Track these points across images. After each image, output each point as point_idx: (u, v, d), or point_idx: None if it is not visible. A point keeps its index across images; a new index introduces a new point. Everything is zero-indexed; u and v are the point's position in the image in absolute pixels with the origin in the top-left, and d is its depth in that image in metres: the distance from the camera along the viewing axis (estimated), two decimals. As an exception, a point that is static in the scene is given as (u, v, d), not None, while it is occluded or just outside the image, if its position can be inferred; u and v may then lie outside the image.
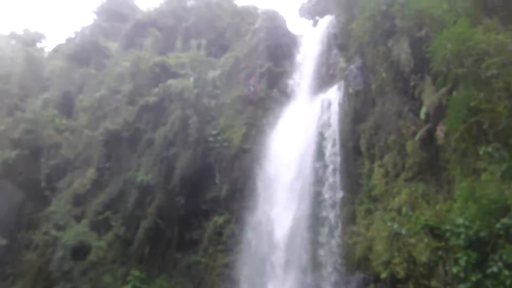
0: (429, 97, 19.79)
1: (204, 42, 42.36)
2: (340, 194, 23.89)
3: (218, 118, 33.16)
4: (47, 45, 54.07)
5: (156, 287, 28.54)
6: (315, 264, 23.32)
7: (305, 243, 24.34)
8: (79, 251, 28.98)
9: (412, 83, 21.13)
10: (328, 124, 26.06)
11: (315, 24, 38.64)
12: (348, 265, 21.74)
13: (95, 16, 54.88)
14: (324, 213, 24.27)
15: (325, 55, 30.64)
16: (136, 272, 28.59)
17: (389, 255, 17.93)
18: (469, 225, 14.34)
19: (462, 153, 16.83)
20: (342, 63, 28.51)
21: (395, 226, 17.19)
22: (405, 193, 19.96)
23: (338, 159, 24.71)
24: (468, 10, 19.40)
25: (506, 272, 13.29)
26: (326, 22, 32.29)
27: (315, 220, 24.38)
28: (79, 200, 32.32)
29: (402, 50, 21.33)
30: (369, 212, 21.95)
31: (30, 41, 51.35)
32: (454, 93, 17.17)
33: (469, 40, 16.43)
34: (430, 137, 19.50)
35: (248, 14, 43.85)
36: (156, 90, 34.94)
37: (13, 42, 51.74)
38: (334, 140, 25.30)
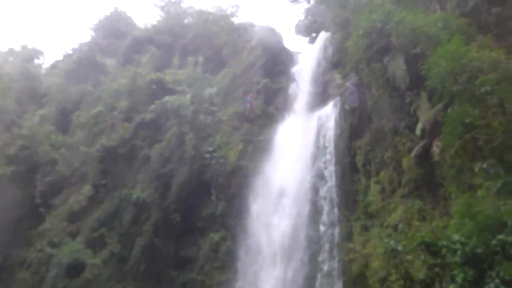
0: (425, 114, 19.84)
1: (201, 59, 42.62)
2: (337, 211, 23.81)
3: (215, 135, 33.17)
4: (45, 62, 54.42)
5: (152, 305, 28.26)
6: (312, 282, 23.15)
7: (303, 260, 24.20)
8: (74, 269, 28.67)
9: (407, 100, 21.20)
10: (324, 141, 26.09)
11: (311, 41, 38.92)
12: (345, 283, 21.57)
13: (92, 33, 55.30)
14: (322, 230, 24.17)
15: (321, 72, 30.78)
16: (131, 290, 28.28)
17: (386, 272, 17.80)
18: (465, 242, 14.24)
19: (457, 169, 16.81)
20: (338, 79, 28.65)
21: (392, 242, 17.10)
22: (401, 210, 19.90)
23: (334, 176, 24.66)
24: (462, 28, 19.58)
25: (504, 289, 13.19)
26: (322, 39, 32.49)
27: (313, 238, 24.28)
28: (74, 217, 32.11)
29: (397, 67, 21.44)
30: (365, 228, 21.86)
31: (28, 57, 51.62)
32: (450, 109, 17.22)
33: (463, 58, 16.55)
34: (426, 153, 19.48)
35: (244, 31, 44.20)
36: (152, 106, 35.04)
37: (11, 58, 52.08)
38: (330, 157, 25.31)
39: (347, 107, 25.37)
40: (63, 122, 39.87)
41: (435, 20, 20.37)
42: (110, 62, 46.69)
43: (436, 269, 15.62)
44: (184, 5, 53.67)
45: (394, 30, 21.39)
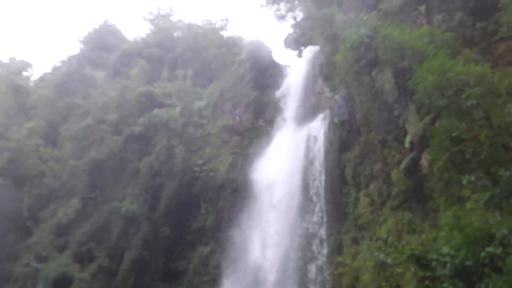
0: (413, 126, 20.04)
1: (190, 72, 42.75)
2: (326, 224, 23.87)
3: (204, 148, 33.20)
4: (33, 74, 54.08)
5: (140, 320, 27.96)
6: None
7: (294, 276, 24.17)
8: (61, 284, 28.34)
9: (396, 113, 21.38)
10: (313, 154, 26.20)
11: (300, 54, 39.20)
12: (335, 296, 21.54)
13: (81, 45, 55.14)
14: (312, 243, 24.19)
15: (310, 85, 30.99)
16: (120, 305, 28.00)
17: (376, 286, 17.80)
18: (454, 254, 14.30)
19: (446, 182, 16.98)
20: (327, 93, 28.87)
21: (382, 256, 17.13)
22: (391, 222, 19.99)
23: (324, 189, 24.75)
24: (448, 42, 19.92)
25: (493, 302, 13.26)
26: (311, 52, 32.76)
27: (303, 251, 24.30)
28: (62, 231, 31.81)
29: (385, 80, 21.66)
30: (355, 241, 21.91)
31: (15, 69, 51.25)
32: (437, 123, 17.43)
33: (449, 72, 16.80)
34: (415, 165, 19.65)
35: (234, 44, 44.48)
36: (142, 119, 35.03)
37: (-2, 70, 51.61)
38: (320, 169, 25.40)
39: (336, 120, 25.52)
40: (52, 135, 39.62)
41: (421, 35, 20.68)
42: (99, 75, 46.55)
43: (426, 282, 15.65)
44: (173, 18, 53.98)
45: (381, 45, 21.65)
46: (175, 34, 50.97)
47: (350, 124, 24.74)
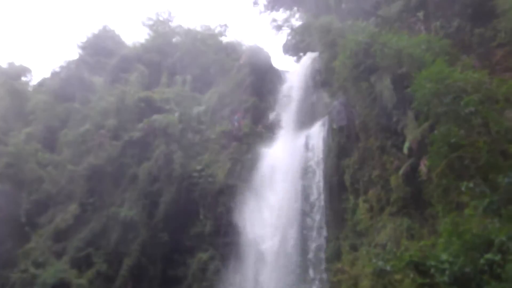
0: (412, 132, 20.07)
1: (189, 77, 42.78)
2: (325, 230, 23.84)
3: (203, 153, 33.13)
4: (32, 79, 54.15)
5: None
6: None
7: (293, 282, 24.11)
8: (59, 290, 28.22)
9: (395, 119, 21.42)
10: (312, 160, 26.22)
11: (298, 60, 39.30)
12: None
13: (80, 51, 55.16)
14: (311, 249, 24.17)
15: (309, 91, 31.07)
16: (118, 311, 27.90)
17: (375, 292, 17.76)
18: (453, 261, 14.26)
19: (444, 188, 16.99)
20: (325, 99, 28.94)
21: (380, 262, 17.08)
22: (390, 228, 19.96)
23: (322, 195, 24.74)
24: (445, 49, 20.00)
25: (492, 310, 13.22)
26: (309, 58, 32.85)
27: (302, 257, 24.26)
28: (60, 236, 31.75)
29: (384, 86, 21.69)
30: (354, 247, 21.87)
31: (14, 75, 51.31)
32: (436, 129, 17.46)
33: (447, 79, 16.87)
34: (413, 171, 19.66)
35: (232, 50, 44.58)
36: (140, 125, 35.01)
37: (-3, 76, 51.61)
38: (318, 175, 25.41)
39: (335, 126, 25.57)
40: (50, 140, 39.62)
41: (419, 42, 20.79)
42: (98, 80, 46.62)
43: (425, 289, 15.64)
44: (172, 24, 54.05)
45: (379, 52, 21.73)
46: (174, 40, 51.05)
47: (348, 130, 24.78)
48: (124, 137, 34.95)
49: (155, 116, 35.06)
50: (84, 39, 56.03)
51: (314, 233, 24.53)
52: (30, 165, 35.81)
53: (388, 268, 16.57)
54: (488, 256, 13.51)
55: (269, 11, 45.25)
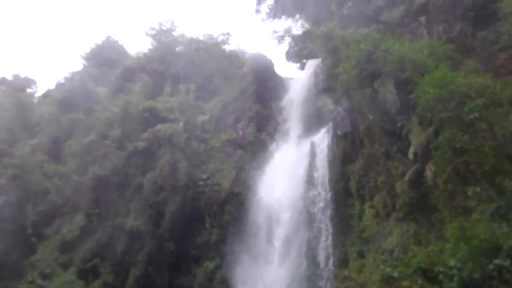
0: (417, 137, 19.99)
1: (192, 86, 42.85)
2: (331, 237, 23.71)
3: (208, 162, 33.10)
4: (37, 91, 54.50)
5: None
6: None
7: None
8: (66, 301, 28.20)
9: (399, 124, 21.36)
10: (317, 166, 26.13)
11: (302, 67, 39.30)
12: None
13: (84, 62, 55.54)
14: (318, 257, 24.04)
15: (312, 97, 30.99)
16: (125, 321, 27.82)
17: (383, 299, 17.61)
18: (461, 267, 14.15)
19: (450, 193, 16.90)
20: (329, 105, 28.88)
21: (388, 269, 16.96)
22: (396, 234, 19.86)
23: (328, 201, 24.63)
24: (447, 54, 19.95)
25: (501, 315, 13.09)
26: (312, 65, 32.79)
27: (309, 264, 24.13)
28: (66, 247, 31.76)
29: (388, 91, 21.64)
30: (361, 254, 21.73)
31: (20, 86, 51.71)
32: (440, 135, 17.37)
33: (451, 84, 16.82)
34: (419, 177, 19.57)
35: (236, 58, 44.67)
36: (145, 135, 35.07)
37: (2, 87, 52.10)
38: (324, 182, 25.30)
39: (339, 132, 25.50)
40: (55, 151, 39.76)
41: (421, 47, 20.78)
42: (102, 91, 46.84)
43: (434, 295, 15.50)
44: (175, 33, 54.24)
45: (381, 58, 21.71)
46: (177, 49, 51.19)
47: (353, 136, 24.72)
48: (128, 147, 35.02)
49: (160, 126, 35.12)
50: (88, 50, 56.48)
51: (321, 240, 24.37)
52: (36, 176, 35.94)
53: (395, 274, 16.45)
54: (497, 261, 13.40)
55: (271, 19, 45.42)
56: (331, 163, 25.46)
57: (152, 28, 54.92)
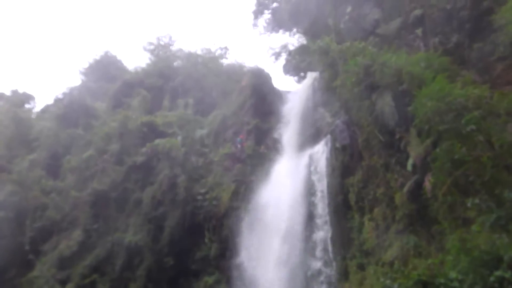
0: (415, 149, 20.00)
1: (191, 101, 43.03)
2: (331, 250, 23.58)
3: (207, 176, 33.04)
4: (36, 106, 54.64)
5: None
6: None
7: None
8: (64, 319, 27.94)
9: (397, 136, 21.39)
10: (316, 179, 26.09)
11: (299, 80, 39.48)
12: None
13: (83, 77, 55.85)
14: (317, 270, 23.89)
15: (310, 110, 31.06)
16: (124, 338, 27.54)
17: (384, 313, 17.45)
18: (462, 279, 14.06)
19: (450, 204, 16.87)
20: (328, 118, 28.94)
21: (388, 282, 16.86)
22: (396, 246, 19.76)
23: (327, 214, 24.56)
24: (444, 66, 20.06)
25: (503, 328, 12.98)
26: (310, 78, 32.93)
27: (309, 278, 23.96)
28: (64, 264, 31.54)
29: (385, 103, 21.70)
30: (361, 267, 21.62)
31: (18, 102, 51.85)
32: (438, 147, 17.39)
33: (448, 96, 16.87)
34: (418, 188, 19.53)
35: (234, 72, 44.92)
36: (144, 149, 35.07)
37: (1, 103, 52.24)
38: (323, 195, 25.25)
39: (337, 145, 25.52)
40: (54, 167, 39.71)
41: (418, 60, 20.89)
42: (100, 106, 47.00)
43: (435, 308, 15.38)
44: (173, 48, 54.64)
45: (379, 71, 21.83)
46: (175, 64, 51.52)
47: (352, 148, 24.72)
48: (127, 162, 35.00)
49: (158, 140, 35.15)
50: (87, 65, 56.84)
51: (320, 254, 24.26)
52: (34, 192, 35.88)
53: (396, 287, 16.34)
54: (498, 273, 13.31)
55: (268, 33, 45.76)
56: (330, 175, 25.43)
57: (150, 43, 55.38)
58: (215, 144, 35.57)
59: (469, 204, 15.44)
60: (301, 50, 38.51)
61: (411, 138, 20.54)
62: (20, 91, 54.50)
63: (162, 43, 55.28)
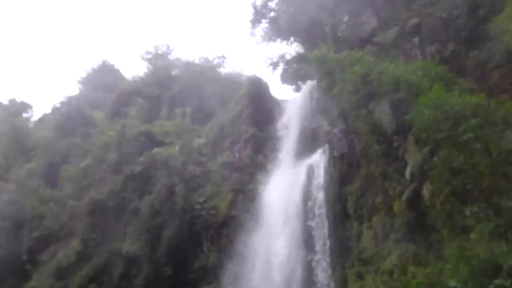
0: (413, 157, 19.99)
1: (188, 110, 43.08)
2: (330, 259, 23.52)
3: (205, 185, 33.01)
4: (33, 115, 54.64)
5: None
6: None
7: None
8: (61, 329, 27.72)
9: (395, 144, 21.37)
10: (314, 188, 26.09)
11: (297, 89, 39.56)
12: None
13: (80, 86, 55.86)
14: (316, 279, 23.83)
15: (308, 119, 31.14)
16: None
17: (384, 322, 17.42)
18: (462, 287, 14.07)
19: (448, 213, 16.85)
20: (325, 127, 29.00)
21: (387, 291, 16.88)
22: (395, 254, 19.71)
23: (326, 223, 24.52)
24: (441, 74, 20.15)
25: (503, 337, 12.93)
26: (308, 87, 33.06)
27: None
28: (62, 273, 31.37)
29: (383, 112, 21.72)
30: (360, 276, 21.53)
31: (16, 111, 51.87)
32: (435, 155, 17.41)
33: (445, 104, 16.92)
34: (417, 196, 19.51)
35: (231, 81, 45.04)
36: (141, 158, 35.03)
37: (-2, 112, 52.19)
38: (321, 204, 25.23)
39: (335, 153, 25.54)
40: (51, 176, 39.61)
41: (415, 68, 20.98)
42: (98, 115, 47.00)
43: (434, 317, 15.34)
44: (171, 57, 54.74)
45: (376, 80, 21.90)
46: (173, 73, 51.61)
47: (350, 157, 24.74)
48: (125, 171, 34.93)
49: (156, 149, 35.13)
50: (84, 74, 56.95)
51: (319, 263, 24.20)
52: (31, 201, 35.76)
53: (395, 296, 16.32)
54: (498, 281, 13.29)
55: (266, 42, 45.88)
56: (328, 184, 25.43)
57: (148, 52, 55.50)
58: (213, 153, 35.56)
59: (467, 213, 15.43)
60: (299, 59, 38.61)
61: (409, 146, 20.55)
62: (18, 100, 54.60)
63: (159, 52, 55.43)
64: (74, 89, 67.89)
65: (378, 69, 21.88)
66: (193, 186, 32.89)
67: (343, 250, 23.38)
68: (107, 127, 41.43)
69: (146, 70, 53.81)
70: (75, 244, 32.45)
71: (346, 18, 31.27)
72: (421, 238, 19.45)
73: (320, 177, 26.17)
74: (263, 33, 45.63)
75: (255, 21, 45.10)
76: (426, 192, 18.68)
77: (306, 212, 25.76)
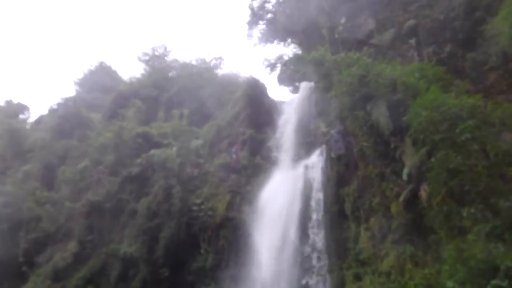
0: (410, 158, 20.03)
1: (186, 111, 43.02)
2: (327, 260, 23.52)
3: (202, 187, 32.93)
4: (30, 117, 54.59)
5: None
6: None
7: None
8: (58, 331, 27.66)
9: (392, 145, 21.41)
10: (312, 189, 26.08)
11: (294, 90, 39.57)
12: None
13: (77, 87, 55.80)
14: (313, 280, 23.79)
15: (305, 121, 31.15)
16: None
17: (381, 323, 17.43)
18: (459, 289, 14.11)
19: (445, 214, 16.89)
20: (323, 128, 29.01)
21: (385, 292, 16.89)
22: (393, 256, 19.73)
23: (323, 224, 24.52)
24: (438, 76, 20.23)
25: (501, 338, 12.96)
26: (305, 88, 33.06)
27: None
28: (59, 275, 31.30)
29: (380, 113, 21.77)
30: (357, 277, 21.54)
31: (12, 113, 51.81)
32: (433, 157, 17.45)
33: (442, 106, 17.00)
34: (414, 197, 19.54)
35: (229, 82, 45.01)
36: (139, 160, 34.96)
37: (-5, 113, 52.09)
38: (318, 205, 25.23)
39: (333, 155, 25.56)
40: (48, 178, 39.55)
41: (412, 70, 21.05)
42: (95, 117, 46.94)
43: (432, 318, 15.36)
44: (168, 58, 54.73)
45: (373, 82, 21.96)
46: (170, 74, 51.57)
47: (347, 158, 24.77)
48: (122, 173, 34.88)
49: (153, 151, 35.07)
50: (81, 76, 56.86)
51: (316, 264, 24.19)
52: (28, 203, 35.68)
53: (393, 297, 16.35)
54: (495, 282, 13.34)
55: (263, 43, 45.97)
56: (326, 185, 25.45)
57: (145, 54, 55.48)
58: (210, 154, 35.52)
59: (464, 214, 15.48)
60: (296, 61, 38.67)
61: (406, 147, 20.58)
62: (15, 101, 54.54)
63: (157, 53, 55.43)
64: (71, 91, 68.08)
65: (375, 70, 21.94)
66: (191, 188, 32.82)
67: (340, 251, 23.38)
68: (104, 129, 41.38)
69: (143, 72, 53.85)
70: (72, 246, 32.38)
71: (343, 20, 31.39)
72: (419, 239, 19.47)
73: (317, 179, 26.18)
74: (260, 35, 45.77)
75: (252, 23, 45.24)
76: (423, 193, 18.71)
77: (304, 213, 25.75)
